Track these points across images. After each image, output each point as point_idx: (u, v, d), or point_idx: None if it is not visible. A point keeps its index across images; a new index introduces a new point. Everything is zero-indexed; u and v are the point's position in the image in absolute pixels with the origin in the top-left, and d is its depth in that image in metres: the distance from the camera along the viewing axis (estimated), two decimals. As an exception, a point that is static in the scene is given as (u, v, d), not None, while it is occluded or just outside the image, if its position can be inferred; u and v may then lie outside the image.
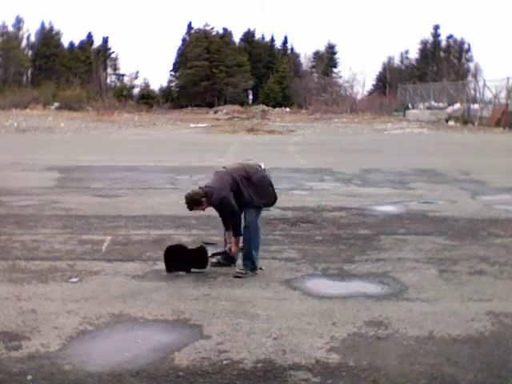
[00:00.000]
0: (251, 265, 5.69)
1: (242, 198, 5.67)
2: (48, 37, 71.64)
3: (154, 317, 4.54)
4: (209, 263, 5.82)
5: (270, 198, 5.87)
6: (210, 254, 5.88)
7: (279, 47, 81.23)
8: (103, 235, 7.28)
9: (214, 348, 3.95)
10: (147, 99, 60.06)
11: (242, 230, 5.80)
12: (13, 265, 5.91)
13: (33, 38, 72.72)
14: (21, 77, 69.85)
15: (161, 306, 4.76)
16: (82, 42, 74.77)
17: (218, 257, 6.02)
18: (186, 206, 5.85)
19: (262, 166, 5.95)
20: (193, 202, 5.77)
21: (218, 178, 5.75)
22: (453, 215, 8.78)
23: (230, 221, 5.77)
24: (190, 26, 76.55)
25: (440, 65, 71.19)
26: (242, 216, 5.81)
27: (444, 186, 11.92)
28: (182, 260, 5.70)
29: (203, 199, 5.69)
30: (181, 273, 5.66)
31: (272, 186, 5.89)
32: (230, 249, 5.85)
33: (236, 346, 3.98)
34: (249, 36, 79.03)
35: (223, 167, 5.91)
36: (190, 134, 29.66)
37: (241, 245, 5.79)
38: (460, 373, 3.63)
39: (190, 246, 5.93)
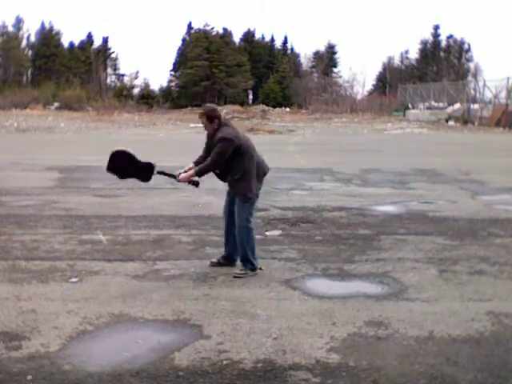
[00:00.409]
0: (250, 265, 5.68)
1: (243, 161, 5.63)
2: (48, 37, 71.62)
3: (154, 317, 4.54)
4: (151, 180, 5.92)
5: (262, 172, 5.86)
6: (155, 172, 5.89)
7: (279, 47, 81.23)
8: (103, 235, 7.28)
9: (214, 348, 3.95)
10: (147, 99, 60.04)
11: (236, 231, 5.76)
12: (13, 265, 5.91)
13: (33, 38, 72.76)
14: (21, 77, 69.84)
15: (161, 306, 4.76)
16: (82, 42, 74.77)
17: (218, 257, 6.01)
18: (203, 110, 5.77)
19: None
20: (210, 111, 5.71)
21: (238, 131, 5.77)
22: (453, 215, 8.78)
23: (210, 160, 5.64)
24: (190, 26, 76.57)
25: (440, 65, 71.18)
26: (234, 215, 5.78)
27: (444, 186, 11.92)
28: (127, 167, 5.82)
29: (216, 121, 5.65)
30: (179, 270, 5.66)
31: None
32: (179, 174, 5.79)
33: (236, 346, 3.98)
34: (249, 36, 79.02)
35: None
36: (190, 134, 29.64)
37: (196, 179, 5.78)
38: (460, 373, 3.63)
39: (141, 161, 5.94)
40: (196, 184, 5.89)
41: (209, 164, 5.66)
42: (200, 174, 5.73)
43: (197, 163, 5.83)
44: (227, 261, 5.91)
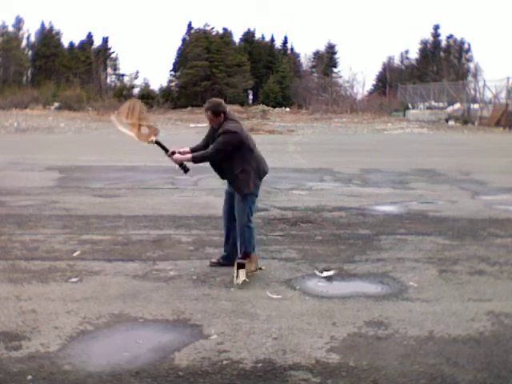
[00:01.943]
0: (245, 251, 5.69)
1: (244, 156, 5.62)
2: (48, 37, 71.62)
3: (154, 317, 4.54)
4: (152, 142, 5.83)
5: (263, 171, 5.85)
6: (154, 139, 5.84)
7: (279, 47, 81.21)
8: (103, 235, 7.28)
9: (214, 348, 3.95)
10: (147, 99, 59.96)
11: (237, 231, 5.76)
12: (13, 265, 5.91)
13: (33, 38, 72.74)
14: (21, 77, 69.83)
15: (161, 306, 4.76)
16: (82, 42, 74.77)
17: (218, 257, 6.01)
18: (207, 104, 5.75)
19: None
20: (217, 106, 5.69)
21: (243, 127, 5.76)
22: (453, 215, 8.78)
23: (209, 151, 5.61)
24: (190, 26, 76.54)
25: (440, 65, 71.15)
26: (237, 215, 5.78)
27: (444, 186, 11.92)
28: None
29: (222, 115, 5.64)
30: (179, 273, 5.66)
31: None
32: (173, 152, 5.73)
33: (236, 346, 3.98)
34: (249, 36, 79.02)
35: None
36: (189, 134, 29.62)
37: (187, 165, 5.75)
38: (460, 373, 3.62)
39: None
40: (186, 170, 5.81)
41: (210, 152, 5.61)
42: (197, 160, 5.68)
43: (193, 150, 5.80)
44: (227, 261, 5.90)
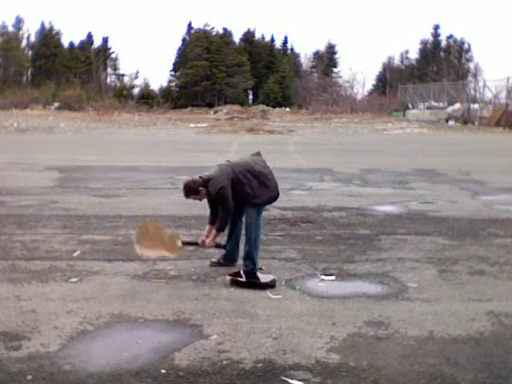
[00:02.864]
0: (252, 265, 5.68)
1: (242, 191, 5.63)
2: (48, 37, 71.68)
3: (154, 317, 4.53)
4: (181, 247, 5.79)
5: (272, 193, 5.82)
6: (180, 244, 5.80)
7: (279, 47, 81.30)
8: (103, 235, 7.28)
9: (214, 348, 3.95)
10: (147, 99, 60.09)
11: (243, 229, 5.81)
12: (13, 265, 5.91)
13: (33, 38, 72.89)
14: (21, 77, 69.90)
15: (161, 306, 4.75)
16: (82, 42, 74.87)
17: (219, 256, 6.02)
18: (183, 192, 5.80)
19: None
20: (190, 189, 5.72)
21: (219, 170, 5.74)
22: (453, 215, 8.78)
23: (223, 212, 5.66)
24: (190, 26, 76.63)
25: (440, 65, 71.22)
26: (242, 217, 5.82)
27: (444, 186, 11.92)
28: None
29: (201, 188, 5.66)
30: (178, 273, 5.66)
31: (275, 180, 5.88)
32: (203, 240, 5.77)
33: (236, 346, 3.98)
34: (249, 36, 79.08)
35: (226, 160, 5.91)
36: (189, 134, 29.66)
37: (218, 242, 5.78)
38: (460, 373, 3.62)
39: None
40: (223, 246, 5.91)
41: (223, 214, 5.65)
42: (222, 227, 5.71)
43: (212, 222, 5.83)
44: (227, 261, 5.91)
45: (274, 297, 5.00)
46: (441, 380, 3.54)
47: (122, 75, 76.29)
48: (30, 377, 3.52)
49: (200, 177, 5.71)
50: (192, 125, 36.16)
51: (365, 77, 69.19)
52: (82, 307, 4.71)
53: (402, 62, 78.18)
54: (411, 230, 7.72)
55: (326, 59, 75.41)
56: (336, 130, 34.48)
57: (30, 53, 72.60)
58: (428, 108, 46.90)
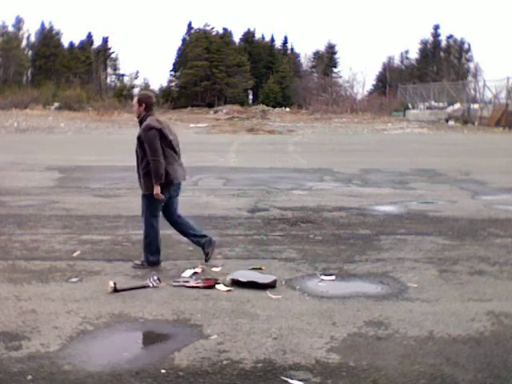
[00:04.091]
0: (145, 258, 5.82)
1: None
2: (48, 37, 71.64)
3: (154, 317, 4.53)
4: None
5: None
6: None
7: (279, 47, 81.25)
8: (103, 235, 7.28)
9: (214, 348, 3.95)
10: (147, 99, 59.92)
11: (143, 220, 5.91)
12: (13, 265, 5.91)
13: (33, 38, 72.80)
14: (21, 77, 69.85)
15: (161, 306, 4.75)
16: (82, 42, 74.81)
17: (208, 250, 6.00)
18: (137, 96, 6.05)
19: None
20: (142, 96, 6.01)
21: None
22: (453, 215, 8.78)
23: (151, 160, 5.68)
24: (190, 26, 76.58)
25: (440, 65, 71.19)
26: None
27: (444, 186, 11.93)
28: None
29: (144, 105, 5.85)
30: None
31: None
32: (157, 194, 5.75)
33: (236, 346, 3.98)
34: (249, 36, 79.04)
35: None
36: (189, 134, 29.64)
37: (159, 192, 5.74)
38: (460, 373, 3.62)
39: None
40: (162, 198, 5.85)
41: (152, 162, 5.69)
42: (158, 177, 5.70)
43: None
44: (203, 249, 5.97)
45: (273, 297, 5.00)
46: (441, 380, 3.54)
47: (122, 75, 76.28)
48: (30, 377, 3.52)
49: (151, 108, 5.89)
50: (192, 125, 36.14)
51: (365, 77, 69.23)
52: (82, 307, 4.71)
53: (402, 61, 78.17)
54: (411, 230, 7.72)
55: (326, 59, 75.37)
56: (336, 130, 34.48)
57: (30, 53, 72.55)
58: (428, 108, 46.89)
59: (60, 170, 13.92)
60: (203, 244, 5.98)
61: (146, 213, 5.88)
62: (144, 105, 5.88)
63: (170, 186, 5.84)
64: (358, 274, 5.75)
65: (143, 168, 5.79)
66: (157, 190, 5.70)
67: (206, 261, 5.96)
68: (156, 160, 5.67)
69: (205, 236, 6.02)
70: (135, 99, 6.04)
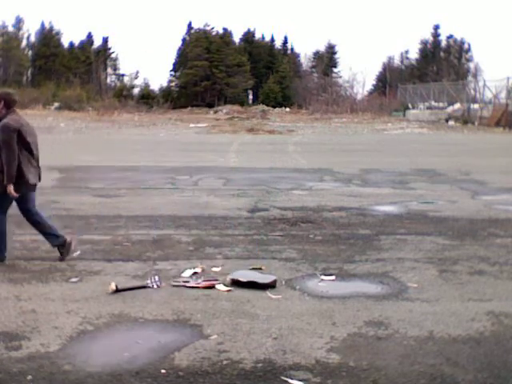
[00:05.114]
0: None
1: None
2: (48, 37, 71.66)
3: (154, 317, 4.53)
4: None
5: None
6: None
7: (279, 47, 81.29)
8: (103, 235, 7.28)
9: (214, 348, 3.95)
10: (147, 99, 60.03)
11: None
12: (13, 265, 5.91)
13: (33, 38, 72.84)
14: (21, 77, 69.86)
15: (161, 306, 4.75)
16: (82, 42, 74.85)
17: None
18: None
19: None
20: (4, 95, 5.82)
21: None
22: (453, 215, 8.78)
23: (5, 160, 5.67)
24: (190, 26, 76.62)
25: (440, 65, 71.22)
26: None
27: (444, 186, 11.93)
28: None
29: (3, 102, 5.73)
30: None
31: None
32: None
33: (236, 346, 3.98)
34: (249, 36, 79.07)
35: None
36: (189, 134, 29.66)
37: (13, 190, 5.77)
38: (460, 373, 3.62)
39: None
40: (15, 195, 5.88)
41: (6, 163, 5.69)
42: (9, 178, 5.74)
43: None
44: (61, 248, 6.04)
45: (273, 297, 5.00)
46: (441, 380, 3.54)
47: (122, 75, 76.32)
48: (30, 377, 3.52)
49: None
50: (192, 125, 36.14)
51: (365, 77, 69.29)
52: (82, 307, 4.70)
53: (401, 62, 78.21)
54: (411, 230, 7.72)
55: (326, 59, 75.40)
56: (336, 130, 34.48)
57: (30, 53, 72.58)
58: (428, 108, 46.91)
59: (60, 170, 13.91)
60: (60, 243, 6.04)
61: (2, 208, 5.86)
62: (3, 102, 5.73)
63: (24, 185, 5.93)
64: (357, 274, 5.75)
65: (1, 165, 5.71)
66: (9, 189, 5.76)
67: (61, 260, 6.01)
68: (10, 160, 5.66)
69: (62, 236, 6.07)
70: None
